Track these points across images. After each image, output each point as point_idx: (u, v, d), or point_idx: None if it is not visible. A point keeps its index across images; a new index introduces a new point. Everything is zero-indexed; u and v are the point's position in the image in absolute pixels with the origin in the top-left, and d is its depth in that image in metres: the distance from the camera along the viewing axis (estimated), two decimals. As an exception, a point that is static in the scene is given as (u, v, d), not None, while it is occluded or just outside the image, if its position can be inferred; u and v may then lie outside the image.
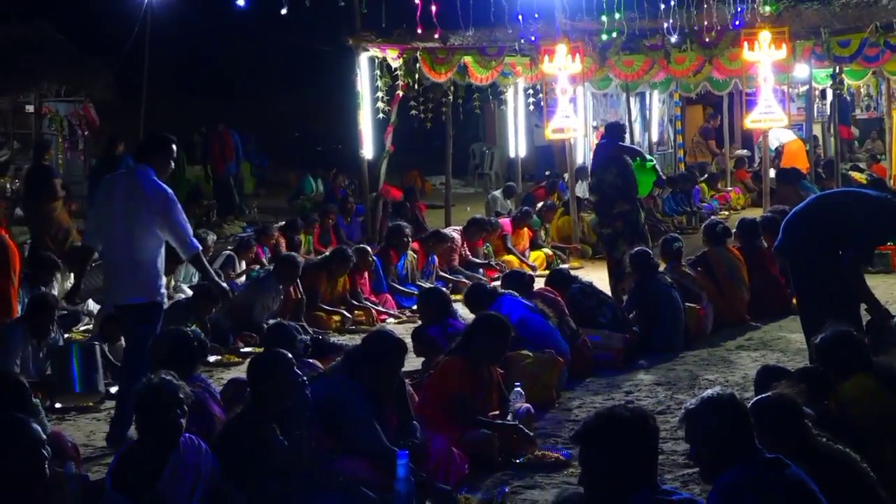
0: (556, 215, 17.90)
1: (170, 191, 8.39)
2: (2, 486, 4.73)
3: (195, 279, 12.95)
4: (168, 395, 5.49)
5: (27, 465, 4.73)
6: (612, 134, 12.99)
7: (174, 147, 8.59)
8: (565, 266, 14.44)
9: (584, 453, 4.46)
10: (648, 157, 14.27)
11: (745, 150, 26.49)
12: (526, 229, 16.81)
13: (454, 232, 15.44)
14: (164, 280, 8.72)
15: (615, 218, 12.50)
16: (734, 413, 4.54)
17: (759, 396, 5.24)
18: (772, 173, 18.98)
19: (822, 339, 6.17)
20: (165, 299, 8.92)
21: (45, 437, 4.88)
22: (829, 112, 24.37)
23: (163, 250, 8.45)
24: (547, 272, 13.20)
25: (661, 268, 11.41)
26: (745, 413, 4.57)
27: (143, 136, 9.60)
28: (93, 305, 11.95)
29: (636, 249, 11.15)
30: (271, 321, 10.67)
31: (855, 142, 28.51)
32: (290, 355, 6.19)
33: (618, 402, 8.52)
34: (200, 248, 8.83)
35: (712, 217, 16.92)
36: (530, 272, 12.97)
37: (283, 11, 9.86)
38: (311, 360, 7.85)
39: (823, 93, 22.99)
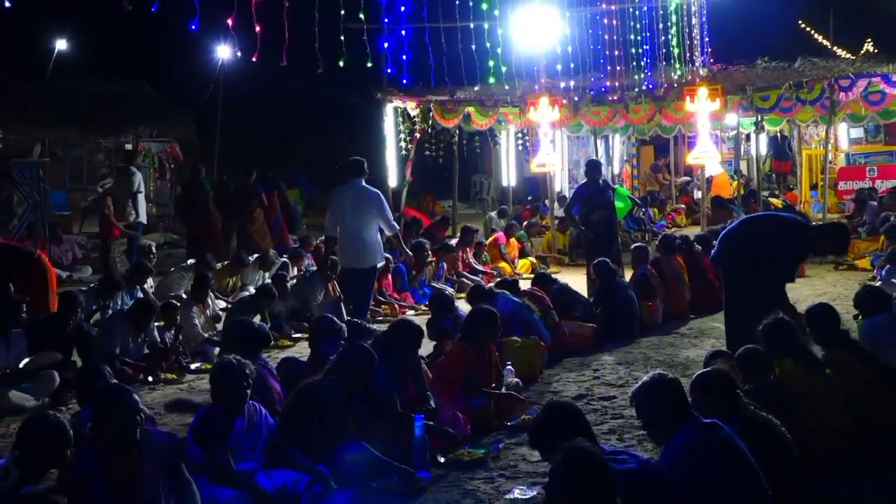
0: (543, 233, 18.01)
1: (379, 192, 10.55)
2: (105, 443, 4.72)
3: (260, 281, 12.99)
4: (238, 372, 5.51)
5: (126, 425, 4.72)
6: (592, 171, 13.06)
7: (363, 162, 10.60)
8: (546, 270, 14.43)
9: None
10: (620, 188, 14.48)
11: (688, 177, 26.40)
12: (515, 241, 16.81)
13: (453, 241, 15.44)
14: (381, 251, 10.70)
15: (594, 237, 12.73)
16: (665, 391, 4.56)
17: (701, 371, 5.25)
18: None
19: (765, 324, 6.16)
20: (380, 263, 10.84)
21: (139, 402, 4.83)
22: (753, 151, 24.41)
23: (378, 229, 10.33)
24: (532, 276, 13.22)
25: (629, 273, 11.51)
26: (674, 389, 4.58)
27: (350, 161, 10.74)
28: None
29: (598, 260, 11.16)
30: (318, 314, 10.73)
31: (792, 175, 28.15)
32: (375, 356, 6.21)
33: (586, 379, 8.56)
34: (398, 229, 11.11)
35: (667, 232, 16.90)
36: (517, 278, 12.93)
37: (319, 71, 9.87)
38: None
39: (748, 137, 22.97)
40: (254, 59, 8.90)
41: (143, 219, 16.97)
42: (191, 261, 13.59)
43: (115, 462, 4.61)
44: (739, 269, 7.97)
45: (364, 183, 10.37)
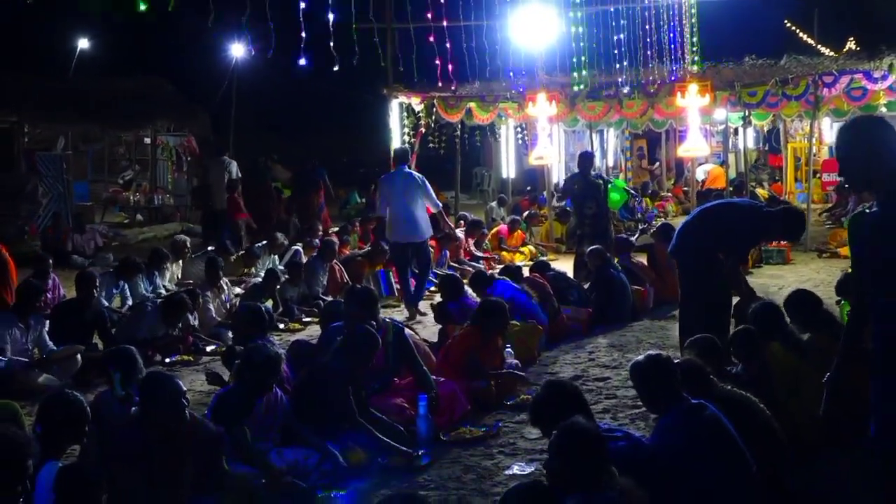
0: (542, 223, 18.02)
1: (423, 176, 11.54)
2: (150, 425, 4.74)
3: (269, 265, 12.97)
4: (278, 361, 5.53)
5: (171, 410, 4.72)
6: (585, 163, 13.03)
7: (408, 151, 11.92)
8: (544, 258, 14.44)
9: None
10: (617, 180, 14.54)
11: (657, 162, 26.48)
12: (518, 232, 16.83)
13: (460, 232, 15.42)
14: (429, 226, 11.54)
15: (585, 226, 12.68)
16: (656, 369, 4.57)
17: (678, 360, 5.23)
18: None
19: (754, 308, 6.14)
20: (428, 235, 11.59)
21: (184, 389, 4.85)
22: (741, 145, 24.35)
23: (425, 207, 11.30)
24: (531, 262, 13.22)
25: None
26: (666, 369, 4.58)
27: (396, 151, 12.23)
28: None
29: (593, 248, 11.10)
30: (329, 298, 10.73)
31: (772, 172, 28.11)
32: (378, 338, 6.21)
33: (582, 361, 8.55)
34: (441, 206, 12.25)
35: (664, 221, 16.89)
36: (518, 264, 12.95)
37: (336, 68, 9.86)
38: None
39: (736, 131, 22.92)
40: (268, 56, 8.88)
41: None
42: (210, 248, 13.58)
43: (157, 443, 4.65)
44: (697, 257, 7.61)
45: (407, 168, 11.43)
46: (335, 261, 12.21)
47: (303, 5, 8.39)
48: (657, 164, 28.34)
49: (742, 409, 4.80)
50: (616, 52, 16.95)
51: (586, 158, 13.22)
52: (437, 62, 14.06)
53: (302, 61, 9.90)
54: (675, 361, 5.02)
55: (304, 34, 9.04)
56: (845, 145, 4.07)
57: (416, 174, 11.51)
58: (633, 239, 13.49)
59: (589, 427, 3.91)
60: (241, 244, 15.61)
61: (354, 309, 6.86)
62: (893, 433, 3.88)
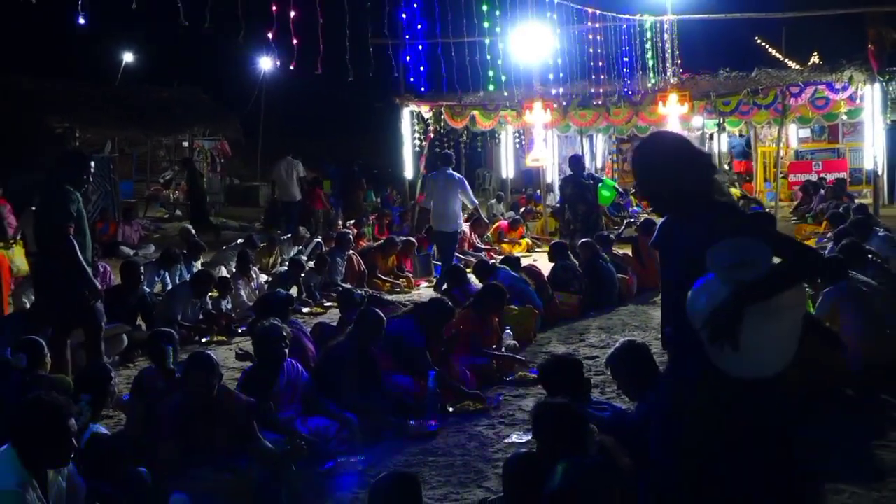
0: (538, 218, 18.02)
1: (463, 177, 11.91)
2: (188, 395, 4.76)
3: (294, 254, 12.96)
4: (277, 334, 5.50)
5: (206, 383, 4.74)
6: (575, 166, 13.14)
7: (452, 155, 12.15)
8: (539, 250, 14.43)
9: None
10: (608, 180, 14.69)
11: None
12: (519, 227, 16.80)
13: (465, 226, 15.42)
14: (461, 219, 12.00)
15: (578, 222, 12.90)
16: (632, 356, 4.56)
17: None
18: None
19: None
20: (461, 228, 12.17)
21: (218, 365, 4.88)
22: (716, 149, 24.23)
23: (461, 204, 11.62)
24: (528, 254, 13.27)
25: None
26: (642, 353, 4.57)
27: (442, 154, 12.30)
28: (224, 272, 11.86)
29: (582, 241, 11.07)
30: (344, 285, 10.73)
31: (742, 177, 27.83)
32: (384, 319, 6.26)
33: (574, 342, 8.53)
34: (477, 203, 12.82)
35: (646, 217, 16.86)
36: (518, 255, 12.94)
37: (350, 79, 9.86)
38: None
39: (711, 136, 22.83)
40: (292, 68, 8.86)
41: (299, 197, 17.61)
42: (239, 240, 13.60)
43: (194, 413, 4.69)
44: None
45: (450, 170, 11.69)
46: (353, 252, 12.22)
47: (321, 21, 8.40)
48: None
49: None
50: (604, 65, 16.92)
51: (575, 161, 13.41)
52: (444, 74, 14.05)
53: (319, 71, 9.93)
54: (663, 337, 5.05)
55: (324, 48, 9.06)
56: (643, 169, 3.28)
57: (457, 175, 11.79)
58: (620, 231, 13.51)
59: (563, 404, 3.91)
60: (319, 229, 16.57)
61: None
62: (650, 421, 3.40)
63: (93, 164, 6.80)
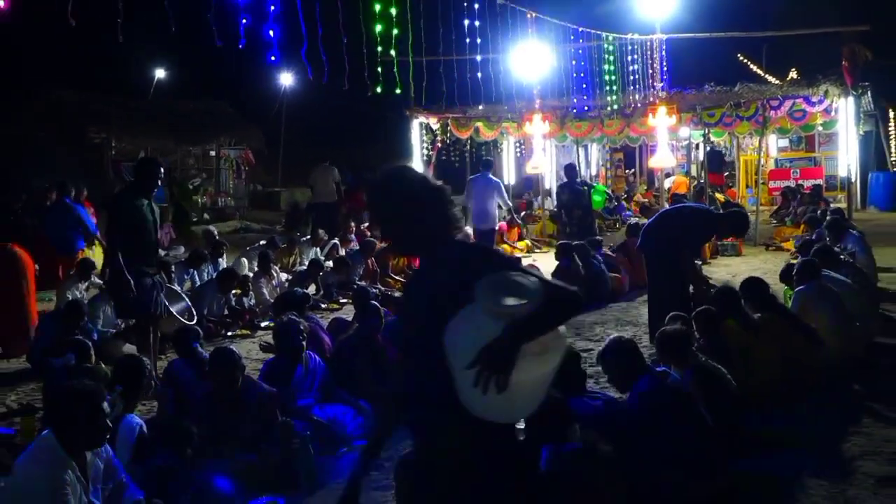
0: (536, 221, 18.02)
1: (500, 181, 12.74)
2: (217, 388, 4.80)
3: (313, 255, 12.96)
4: (295, 328, 5.51)
5: (229, 374, 4.75)
6: (570, 173, 13.42)
7: (493, 161, 13.14)
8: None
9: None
10: (599, 185, 14.84)
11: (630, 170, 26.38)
12: (516, 228, 16.79)
13: (468, 228, 15.42)
14: (497, 218, 12.81)
15: (573, 225, 13.15)
16: (622, 350, 4.55)
17: (664, 328, 5.24)
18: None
19: (717, 290, 6.13)
20: (497, 224, 12.89)
21: (241, 358, 4.92)
22: (701, 157, 24.15)
23: (497, 205, 12.40)
24: (527, 254, 13.29)
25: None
26: (631, 348, 4.56)
27: (483, 160, 13.22)
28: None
29: (577, 243, 11.06)
30: (360, 283, 10.73)
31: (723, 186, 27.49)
32: (382, 313, 6.32)
33: (569, 336, 8.51)
34: (511, 205, 13.59)
35: (632, 219, 16.90)
36: (518, 256, 12.99)
37: (370, 94, 9.90)
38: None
39: (697, 146, 22.81)
40: (309, 79, 8.86)
41: (335, 199, 17.22)
42: (262, 241, 13.62)
43: (221, 401, 4.75)
44: (659, 251, 7.62)
45: (489, 174, 12.31)
46: (369, 254, 12.22)
47: (345, 40, 8.41)
48: (632, 170, 28.54)
49: (710, 377, 4.84)
50: (597, 80, 16.90)
51: (570, 169, 13.55)
52: (445, 89, 14.09)
53: (346, 87, 9.92)
54: (663, 329, 5.06)
55: (342, 65, 9.07)
56: (382, 211, 2.63)
57: (495, 179, 12.58)
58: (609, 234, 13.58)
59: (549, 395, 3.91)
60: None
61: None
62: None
63: (161, 169, 6.87)
